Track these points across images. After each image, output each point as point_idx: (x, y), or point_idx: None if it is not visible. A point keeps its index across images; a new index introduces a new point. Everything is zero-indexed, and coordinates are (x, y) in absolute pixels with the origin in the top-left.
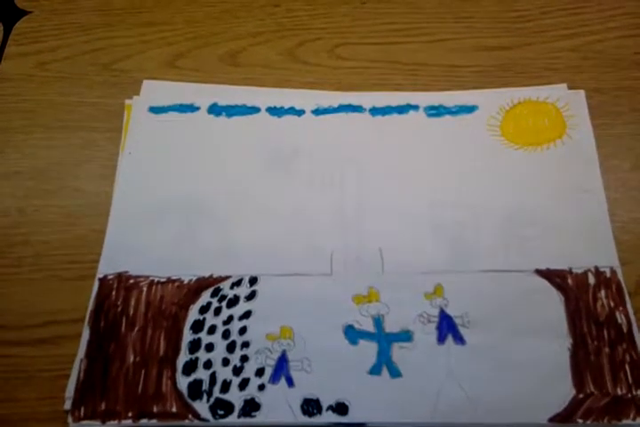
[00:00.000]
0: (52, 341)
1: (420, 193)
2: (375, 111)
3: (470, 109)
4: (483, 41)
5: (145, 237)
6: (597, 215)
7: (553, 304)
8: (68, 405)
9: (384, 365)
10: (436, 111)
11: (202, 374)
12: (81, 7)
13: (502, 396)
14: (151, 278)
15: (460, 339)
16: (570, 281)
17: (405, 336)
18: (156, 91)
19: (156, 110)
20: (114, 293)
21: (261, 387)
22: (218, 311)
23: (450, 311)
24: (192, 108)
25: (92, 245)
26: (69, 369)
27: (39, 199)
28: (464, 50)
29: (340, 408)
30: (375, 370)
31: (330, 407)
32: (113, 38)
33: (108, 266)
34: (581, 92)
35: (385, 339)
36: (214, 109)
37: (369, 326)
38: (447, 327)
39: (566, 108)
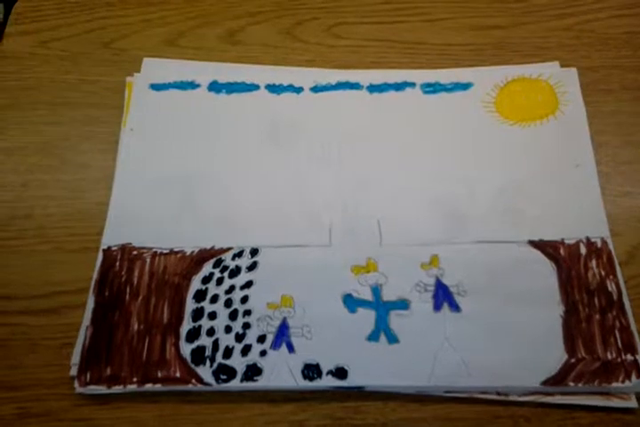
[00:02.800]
0: (57, 310)
1: (417, 167)
2: (372, 88)
3: (466, 86)
4: (478, 20)
5: (148, 209)
6: (588, 188)
7: (546, 274)
8: (73, 371)
9: (382, 331)
10: (432, 88)
11: (205, 340)
12: None
13: (497, 361)
14: (154, 250)
15: (455, 307)
16: (562, 251)
17: (402, 304)
18: (157, 68)
19: (157, 87)
20: (118, 263)
21: (263, 353)
22: (220, 281)
23: (445, 281)
24: (193, 86)
25: (95, 218)
26: (74, 338)
27: (42, 174)
28: (459, 29)
29: (340, 373)
30: (373, 336)
31: (329, 372)
32: (114, 17)
33: (111, 238)
34: (573, 70)
35: (383, 307)
36: (214, 87)
37: (367, 295)
38: (443, 296)
39: (559, 84)
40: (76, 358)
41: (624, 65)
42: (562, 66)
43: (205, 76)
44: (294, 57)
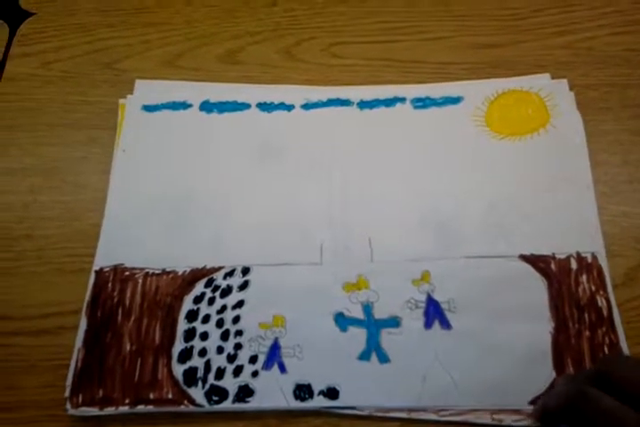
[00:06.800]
0: (54, 331)
1: (407, 183)
2: (363, 105)
3: (456, 100)
4: (475, 39)
5: (140, 230)
6: (579, 202)
7: (536, 289)
8: (67, 392)
9: (373, 351)
10: (422, 103)
11: (197, 361)
12: (83, 8)
13: (486, 379)
14: (146, 270)
15: (446, 324)
16: (553, 266)
17: (394, 322)
18: (149, 90)
19: (149, 108)
20: (110, 284)
21: (255, 373)
22: (212, 301)
23: (436, 297)
24: (184, 106)
25: (93, 239)
26: (69, 359)
27: (42, 195)
28: (457, 47)
29: (331, 393)
30: (364, 356)
31: (321, 392)
32: (114, 39)
33: (103, 259)
34: (564, 82)
35: (374, 325)
36: (206, 106)
37: (358, 313)
38: (434, 313)
39: (549, 97)
40: (69, 379)
41: (623, 83)
42: None
43: (197, 95)
44: (293, 76)
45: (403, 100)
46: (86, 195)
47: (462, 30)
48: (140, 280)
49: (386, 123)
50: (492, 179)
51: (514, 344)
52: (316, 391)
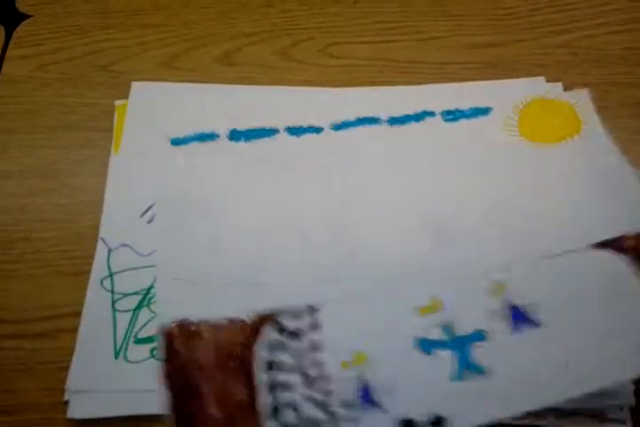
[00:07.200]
0: (52, 334)
1: (448, 197)
2: (393, 121)
3: (485, 111)
4: (473, 38)
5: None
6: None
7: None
8: (67, 395)
9: (464, 369)
10: (452, 116)
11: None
12: (80, 10)
13: (589, 363)
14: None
15: (533, 324)
16: None
17: (478, 336)
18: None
19: (176, 142)
20: None
21: (354, 419)
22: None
23: (517, 302)
24: (212, 137)
25: (91, 241)
26: (68, 362)
27: (40, 197)
28: (455, 47)
29: (438, 421)
30: (458, 376)
31: (428, 423)
32: (111, 40)
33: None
34: (585, 91)
35: (459, 343)
36: (235, 136)
37: (440, 335)
38: (517, 318)
39: (577, 104)
40: (69, 382)
41: (621, 81)
42: (563, 84)
43: (224, 125)
44: (290, 77)
45: (432, 113)
46: (84, 197)
47: (459, 30)
48: None
49: (417, 138)
50: (531, 187)
51: (610, 330)
52: (422, 424)
